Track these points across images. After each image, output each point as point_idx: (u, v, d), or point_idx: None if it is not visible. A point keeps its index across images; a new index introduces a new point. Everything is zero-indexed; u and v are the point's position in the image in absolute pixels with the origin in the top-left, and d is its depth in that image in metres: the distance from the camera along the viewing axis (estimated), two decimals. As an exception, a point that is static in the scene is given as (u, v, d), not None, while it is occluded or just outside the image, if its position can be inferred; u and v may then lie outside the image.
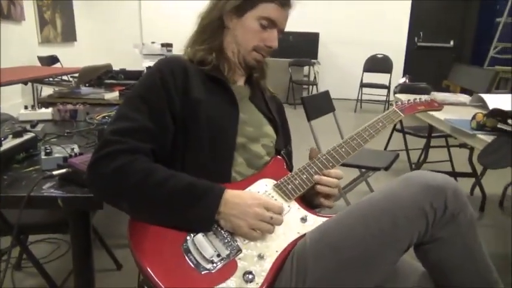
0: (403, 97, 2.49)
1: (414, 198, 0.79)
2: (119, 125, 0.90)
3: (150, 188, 0.84)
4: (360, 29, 7.15)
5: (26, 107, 1.67)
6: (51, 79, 3.95)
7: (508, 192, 2.89)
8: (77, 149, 1.12)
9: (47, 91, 3.34)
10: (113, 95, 2.14)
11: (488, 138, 1.51)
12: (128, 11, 7.21)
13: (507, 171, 1.16)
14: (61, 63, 5.66)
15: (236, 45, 1.06)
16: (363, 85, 6.41)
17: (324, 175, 0.98)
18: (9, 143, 1.08)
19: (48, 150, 1.07)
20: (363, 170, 2.49)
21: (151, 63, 3.16)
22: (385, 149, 3.59)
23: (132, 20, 7.25)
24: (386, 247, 0.79)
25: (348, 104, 6.45)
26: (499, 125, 1.50)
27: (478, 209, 2.78)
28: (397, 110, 1.20)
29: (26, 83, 3.65)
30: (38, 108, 1.67)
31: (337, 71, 7.24)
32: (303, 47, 6.82)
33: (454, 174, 3.10)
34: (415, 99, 1.31)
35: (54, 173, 0.94)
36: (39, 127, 1.40)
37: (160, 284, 0.76)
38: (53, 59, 5.62)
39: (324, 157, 1.02)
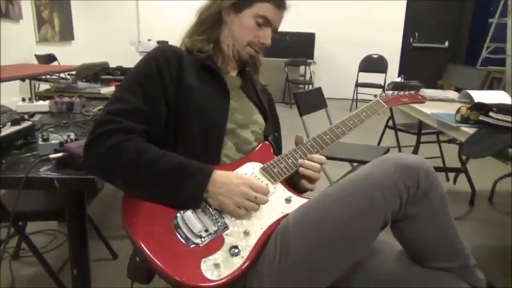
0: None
1: (389, 177, 0.84)
2: (114, 106, 0.95)
3: (143, 165, 0.88)
4: (355, 29, 7.22)
5: (23, 99, 1.72)
6: (48, 76, 4.01)
7: (497, 188, 2.95)
8: (73, 136, 1.17)
9: (44, 87, 3.39)
10: (109, 90, 2.19)
11: (471, 131, 1.57)
12: (125, 11, 7.26)
13: (497, 168, 1.21)
14: (58, 62, 5.70)
15: (232, 39, 1.12)
16: (358, 85, 6.48)
17: (308, 159, 1.03)
18: (8, 129, 1.13)
19: (45, 137, 1.12)
20: (354, 164, 2.54)
21: (147, 60, 3.22)
22: (378, 145, 3.64)
23: (130, 19, 7.30)
24: (363, 224, 0.84)
25: (343, 103, 6.51)
26: (481, 118, 1.56)
27: (468, 204, 2.84)
28: (381, 101, 1.25)
29: (23, 80, 3.70)
30: (36, 100, 1.71)
31: (333, 70, 7.31)
32: (299, 47, 6.88)
33: (445, 169, 3.16)
34: (399, 91, 1.37)
35: (51, 156, 1.00)
36: (36, 117, 1.45)
37: (152, 257, 0.81)
38: (50, 58, 5.65)
39: (309, 143, 1.08)
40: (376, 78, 6.50)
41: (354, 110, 1.23)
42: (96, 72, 2.61)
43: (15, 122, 1.18)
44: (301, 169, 1.03)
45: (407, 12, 7.39)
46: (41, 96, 1.79)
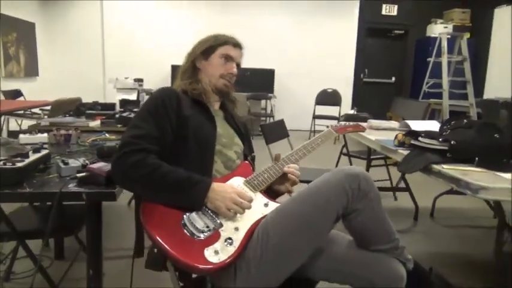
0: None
1: (338, 182, 1.17)
2: (134, 132, 1.24)
3: (158, 177, 1.17)
4: (311, 66, 7.82)
5: (24, 132, 1.93)
6: (21, 112, 4.15)
7: (438, 204, 3.39)
8: (86, 161, 1.42)
9: (28, 123, 3.54)
10: (96, 123, 2.43)
11: (406, 152, 1.96)
12: (91, 48, 7.46)
13: (437, 187, 1.55)
14: (24, 97, 5.79)
15: (208, 77, 1.48)
16: (315, 117, 6.98)
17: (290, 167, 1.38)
18: (33, 156, 1.36)
19: (66, 162, 1.37)
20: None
21: (124, 96, 3.48)
22: (335, 171, 4.04)
23: (96, 56, 7.49)
24: (321, 216, 1.16)
25: (302, 134, 6.95)
26: (412, 141, 1.95)
27: (413, 219, 3.25)
28: (332, 130, 1.61)
29: (2, 115, 3.81)
30: (36, 133, 1.93)
31: (292, 104, 7.80)
32: (260, 82, 7.36)
33: (393, 189, 3.58)
34: (346, 123, 1.74)
35: (78, 175, 1.25)
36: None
37: (168, 248, 1.09)
38: (16, 93, 5.74)
39: (283, 160, 1.41)
40: (332, 110, 7.03)
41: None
42: (78, 107, 2.83)
43: (36, 151, 1.42)
44: (289, 175, 1.38)
45: (358, 51, 8.10)
46: (40, 130, 2.00)
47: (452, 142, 1.75)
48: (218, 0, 7.42)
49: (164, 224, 1.15)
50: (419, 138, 1.94)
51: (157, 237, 1.11)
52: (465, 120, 1.92)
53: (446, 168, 1.65)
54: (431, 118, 5.72)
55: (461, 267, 1.12)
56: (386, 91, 8.27)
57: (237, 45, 1.51)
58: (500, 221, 2.01)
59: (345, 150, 3.69)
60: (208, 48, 1.48)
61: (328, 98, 7.24)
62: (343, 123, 1.69)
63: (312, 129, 6.98)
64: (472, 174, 1.57)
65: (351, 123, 1.72)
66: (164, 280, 1.40)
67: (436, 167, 1.69)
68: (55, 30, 7.36)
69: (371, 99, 8.20)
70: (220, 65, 1.47)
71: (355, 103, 7.98)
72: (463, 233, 3.03)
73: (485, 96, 6.99)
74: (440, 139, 1.83)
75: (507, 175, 1.59)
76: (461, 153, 1.73)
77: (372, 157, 3.36)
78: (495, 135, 1.77)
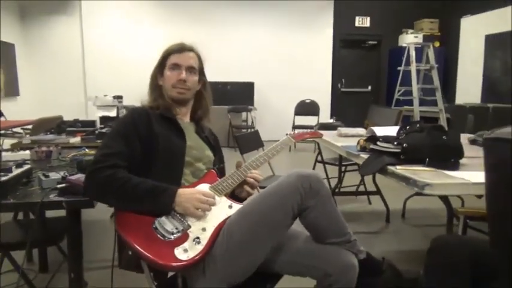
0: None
1: (292, 182, 1.31)
2: (104, 150, 1.36)
3: (128, 189, 1.29)
4: (290, 78, 8.03)
5: (6, 151, 2.04)
6: (2, 131, 4.21)
7: (408, 206, 3.57)
8: (66, 174, 1.54)
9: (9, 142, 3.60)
10: (76, 139, 2.54)
11: (366, 156, 2.12)
12: (71, 67, 7.53)
13: (407, 189, 1.68)
14: (5, 117, 5.82)
15: (165, 91, 1.59)
16: (294, 127, 7.16)
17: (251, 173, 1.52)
18: (16, 171, 1.48)
19: (46, 175, 1.49)
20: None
21: (104, 113, 3.60)
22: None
23: (76, 74, 7.56)
24: (278, 213, 1.29)
25: (283, 144, 7.12)
26: (371, 146, 2.12)
27: (385, 221, 3.41)
28: (290, 137, 1.76)
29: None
30: (18, 151, 2.04)
31: (272, 115, 7.98)
32: (240, 95, 7.54)
33: (366, 193, 3.75)
34: (304, 130, 1.90)
35: (58, 186, 1.37)
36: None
37: (140, 249, 1.21)
38: (-3, 113, 5.77)
39: (245, 166, 1.54)
40: (311, 120, 7.23)
41: (292, 149, 1.72)
42: (59, 125, 2.94)
43: (18, 166, 1.53)
44: (249, 179, 1.50)
45: (334, 61, 8.36)
46: (22, 148, 2.10)
47: (404, 145, 1.93)
48: (197, 16, 7.61)
49: (137, 228, 1.27)
50: (378, 143, 2.11)
51: (131, 241, 1.23)
52: (418, 125, 2.10)
53: (399, 169, 1.82)
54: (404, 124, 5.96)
55: (422, 259, 1.28)
56: (363, 100, 8.53)
57: (182, 49, 1.57)
58: (449, 212, 2.19)
59: (319, 158, 3.86)
60: (160, 64, 1.59)
61: (307, 108, 7.45)
62: (300, 130, 1.85)
63: (292, 139, 7.14)
64: (421, 173, 1.73)
65: (309, 130, 1.88)
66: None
67: (390, 168, 1.86)
68: (35, 49, 7.42)
69: (349, 108, 8.44)
70: (170, 76, 1.55)
71: (333, 112, 8.21)
72: (429, 231, 3.21)
73: (456, 102, 7.30)
74: (395, 143, 2.00)
75: (454, 173, 1.77)
76: (412, 154, 1.90)
77: (344, 163, 3.53)
78: (443, 137, 1.95)
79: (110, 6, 7.46)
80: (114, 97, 3.69)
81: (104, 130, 2.63)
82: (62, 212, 1.49)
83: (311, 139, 1.89)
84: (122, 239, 1.27)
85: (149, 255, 1.21)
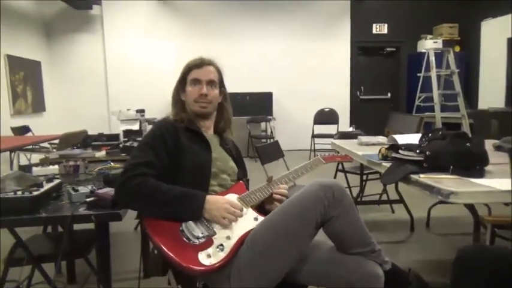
0: (339, 142, 3.11)
1: (315, 192, 1.32)
2: (133, 160, 1.42)
3: (158, 195, 1.34)
4: (308, 87, 8.04)
5: (36, 166, 2.12)
6: (32, 146, 4.36)
7: (433, 214, 3.51)
8: (94, 187, 1.59)
9: (38, 157, 3.73)
10: (101, 153, 2.61)
11: (388, 165, 2.11)
12: (94, 82, 7.74)
13: (430, 197, 1.67)
14: (32, 132, 6.02)
15: (188, 105, 1.64)
16: (314, 136, 7.14)
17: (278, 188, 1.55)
18: (47, 185, 1.54)
19: (76, 189, 1.54)
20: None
21: (127, 127, 3.69)
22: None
23: (99, 89, 7.76)
24: (302, 223, 1.30)
25: (302, 153, 7.10)
26: (393, 154, 2.11)
27: (409, 230, 3.36)
28: (321, 159, 1.78)
29: (13, 151, 4.02)
30: (47, 165, 2.11)
31: (291, 125, 7.99)
32: (259, 105, 7.58)
33: (388, 202, 3.70)
34: (335, 153, 1.91)
35: (87, 200, 1.42)
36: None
37: (166, 250, 1.26)
38: (25, 129, 5.97)
39: (274, 182, 1.58)
40: (330, 129, 7.19)
41: (312, 159, 1.74)
42: (84, 139, 3.03)
43: (49, 180, 1.59)
44: (276, 196, 1.54)
45: (352, 69, 8.33)
46: (51, 162, 2.18)
47: (427, 153, 1.91)
48: (214, 30, 7.73)
49: (165, 229, 1.32)
50: (399, 151, 2.10)
51: (158, 241, 1.28)
52: (440, 132, 2.08)
53: (422, 177, 1.80)
54: (426, 131, 5.86)
55: (448, 270, 1.26)
56: (383, 107, 8.45)
57: (201, 64, 1.62)
58: (475, 221, 2.14)
59: (340, 167, 3.84)
60: (181, 80, 1.65)
61: (326, 117, 7.43)
62: (332, 153, 1.87)
63: (312, 148, 7.13)
64: (445, 181, 1.71)
65: (340, 154, 1.89)
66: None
67: (414, 176, 1.84)
68: (60, 66, 7.67)
69: (369, 115, 8.37)
70: (191, 91, 1.60)
71: (353, 120, 8.16)
72: (455, 240, 3.14)
73: (479, 107, 7.16)
74: (418, 151, 1.99)
75: (480, 180, 1.74)
76: (435, 162, 1.88)
77: (366, 172, 3.50)
78: (467, 144, 1.92)
79: (131, 22, 7.66)
80: (137, 111, 3.77)
81: (128, 144, 2.70)
82: (88, 225, 1.54)
83: (341, 162, 1.91)
84: (149, 239, 1.30)
85: (173, 256, 1.26)
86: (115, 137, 3.30)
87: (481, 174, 1.86)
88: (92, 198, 1.44)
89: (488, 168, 1.90)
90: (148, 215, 1.37)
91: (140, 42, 7.71)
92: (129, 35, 7.68)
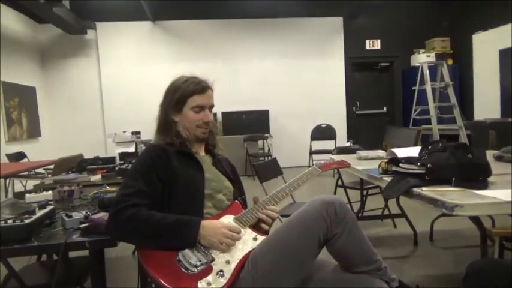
0: (338, 158, 3.07)
1: (316, 209, 1.28)
2: (125, 190, 1.37)
3: (151, 227, 1.29)
4: (304, 104, 8.05)
5: (29, 192, 2.06)
6: (26, 173, 4.30)
7: (436, 227, 3.45)
8: (88, 213, 1.54)
9: (32, 183, 3.67)
10: (97, 177, 2.56)
11: (389, 179, 2.07)
12: (90, 107, 7.72)
13: (432, 211, 1.63)
14: (28, 158, 5.96)
15: (185, 129, 1.59)
16: (312, 152, 7.11)
17: (267, 210, 1.48)
18: (39, 212, 1.49)
19: (69, 215, 1.49)
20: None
21: (123, 149, 3.65)
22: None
23: (94, 112, 7.74)
24: (304, 242, 1.26)
25: (301, 170, 6.92)
26: (394, 168, 2.07)
27: (413, 244, 3.29)
28: (316, 167, 1.74)
29: (8, 178, 3.96)
30: (41, 192, 2.06)
31: (288, 142, 7.97)
32: (256, 123, 7.58)
33: (391, 216, 3.65)
34: (330, 160, 1.87)
35: (81, 226, 1.37)
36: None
37: (164, 283, 1.19)
38: (20, 155, 5.91)
39: (267, 199, 1.52)
40: (328, 145, 7.18)
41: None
42: (80, 163, 2.98)
43: (41, 207, 1.54)
44: (262, 216, 1.46)
45: (347, 85, 8.36)
46: (45, 188, 2.13)
47: (428, 165, 1.87)
48: (209, 51, 7.77)
49: (161, 260, 1.26)
50: (400, 165, 2.06)
51: (155, 274, 1.22)
52: (440, 144, 2.05)
53: (425, 190, 1.76)
54: (424, 144, 5.85)
55: (455, 285, 1.20)
56: (379, 121, 8.47)
57: (203, 90, 1.57)
58: (481, 234, 2.09)
59: (340, 183, 3.80)
60: (178, 101, 1.57)
61: (323, 132, 7.42)
62: (327, 160, 1.83)
63: (310, 164, 7.09)
64: (449, 194, 1.67)
65: (336, 159, 1.85)
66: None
67: (416, 190, 1.80)
68: (55, 91, 7.67)
69: (366, 130, 8.39)
70: (193, 116, 1.56)
71: (350, 136, 8.15)
72: (460, 253, 3.08)
73: (475, 118, 7.17)
74: (419, 163, 1.95)
75: (484, 192, 1.70)
76: (437, 175, 1.85)
77: (366, 187, 3.46)
78: (468, 155, 1.89)
79: (126, 45, 7.69)
80: (133, 133, 3.74)
81: (123, 166, 2.65)
82: (84, 251, 1.48)
83: (338, 168, 1.86)
84: (145, 271, 1.25)
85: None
86: (111, 160, 3.25)
87: (484, 185, 1.82)
88: (86, 224, 1.39)
89: (490, 179, 1.87)
90: (143, 247, 1.32)
91: (135, 64, 7.73)
92: (124, 57, 7.70)
